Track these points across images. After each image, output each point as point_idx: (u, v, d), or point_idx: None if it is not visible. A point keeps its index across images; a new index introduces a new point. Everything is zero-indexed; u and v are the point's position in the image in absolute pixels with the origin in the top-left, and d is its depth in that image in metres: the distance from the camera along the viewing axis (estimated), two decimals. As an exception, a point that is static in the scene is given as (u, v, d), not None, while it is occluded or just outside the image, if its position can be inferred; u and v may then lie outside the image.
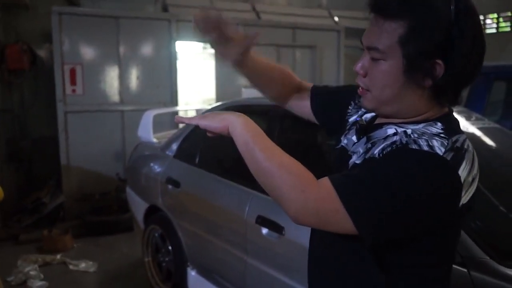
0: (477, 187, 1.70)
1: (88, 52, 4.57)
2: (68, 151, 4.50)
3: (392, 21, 0.85)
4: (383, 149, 0.89)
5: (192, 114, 4.33)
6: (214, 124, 0.92)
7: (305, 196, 0.82)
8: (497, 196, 1.72)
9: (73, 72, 4.46)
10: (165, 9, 5.28)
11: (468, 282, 1.31)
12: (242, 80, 5.30)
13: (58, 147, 4.49)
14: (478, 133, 2.14)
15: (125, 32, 4.67)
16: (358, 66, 0.92)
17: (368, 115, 1.05)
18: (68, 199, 4.48)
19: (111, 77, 4.67)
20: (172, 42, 4.87)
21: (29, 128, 5.03)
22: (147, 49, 4.83)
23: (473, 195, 0.88)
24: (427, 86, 0.87)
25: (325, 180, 0.84)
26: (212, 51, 4.72)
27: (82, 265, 3.50)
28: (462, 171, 0.83)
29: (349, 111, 1.12)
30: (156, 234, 2.97)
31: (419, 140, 0.85)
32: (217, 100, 5.00)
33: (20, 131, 4.99)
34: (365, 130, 0.98)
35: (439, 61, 0.84)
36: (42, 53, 5.06)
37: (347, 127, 1.08)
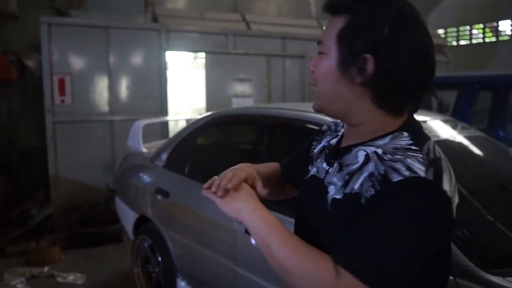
0: (463, 195, 1.72)
1: (77, 62, 4.57)
2: (56, 162, 4.46)
3: (337, 16, 0.90)
4: (362, 184, 0.87)
5: (182, 123, 4.32)
6: (228, 212, 0.93)
7: None
8: (482, 204, 1.74)
9: (62, 82, 4.44)
10: (155, 19, 5.30)
11: (454, 290, 1.32)
12: (232, 90, 5.35)
13: (47, 157, 4.45)
14: (464, 142, 2.17)
15: (115, 42, 4.67)
16: (310, 64, 0.95)
17: (334, 141, 1.04)
18: (56, 211, 4.44)
19: (101, 87, 4.67)
20: (162, 52, 4.88)
21: (17, 139, 4.99)
22: (136, 59, 4.84)
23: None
24: (359, 82, 0.87)
25: (340, 269, 0.80)
26: (202, 60, 4.65)
27: (70, 278, 3.46)
28: (446, 184, 0.81)
29: (312, 147, 1.12)
30: (146, 245, 2.94)
31: (396, 164, 0.82)
32: (208, 109, 5.01)
33: (8, 142, 4.95)
34: (335, 154, 0.96)
35: (370, 58, 0.85)
36: (30, 63, 5.04)
37: (314, 158, 1.07)
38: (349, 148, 0.94)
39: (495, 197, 1.92)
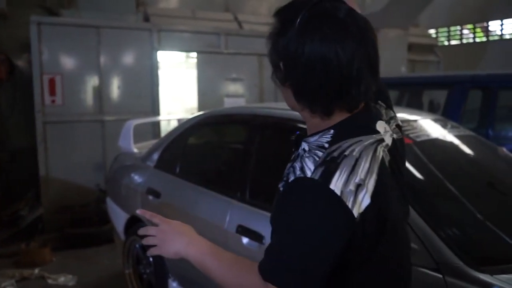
0: (453, 194, 1.73)
1: (68, 62, 4.53)
2: (47, 162, 4.42)
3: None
4: (282, 184, 0.93)
5: (174, 123, 4.31)
6: (172, 256, 1.02)
7: None
8: (471, 202, 1.75)
9: (52, 82, 4.40)
10: (146, 18, 5.28)
11: (443, 287, 1.33)
12: (224, 89, 5.34)
13: (37, 158, 4.41)
14: (454, 140, 2.19)
15: (106, 42, 4.64)
16: None
17: None
18: (47, 211, 4.39)
19: (92, 87, 4.63)
20: (154, 51, 4.86)
21: (7, 139, 4.94)
22: (128, 59, 4.81)
23: (378, 200, 0.85)
24: (282, 85, 0.94)
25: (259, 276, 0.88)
26: (194, 60, 4.62)
27: (61, 279, 3.43)
28: (336, 183, 0.82)
29: None
30: (137, 246, 2.92)
31: (297, 163, 0.89)
32: (199, 109, 5.00)
33: (-2, 142, 4.90)
34: (296, 145, 0.98)
35: (280, 64, 0.91)
36: (21, 63, 4.98)
37: None
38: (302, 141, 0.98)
39: (484, 195, 1.94)
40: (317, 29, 0.86)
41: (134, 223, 2.95)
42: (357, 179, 0.83)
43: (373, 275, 0.90)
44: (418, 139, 2.00)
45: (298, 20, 0.87)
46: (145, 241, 1.06)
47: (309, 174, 0.85)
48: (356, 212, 0.82)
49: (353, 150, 0.86)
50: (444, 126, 2.28)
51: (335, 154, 0.86)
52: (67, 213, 4.33)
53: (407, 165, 1.83)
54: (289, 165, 0.96)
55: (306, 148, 0.91)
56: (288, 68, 0.89)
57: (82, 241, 4.11)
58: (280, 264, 0.84)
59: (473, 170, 2.11)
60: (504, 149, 2.40)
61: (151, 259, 2.75)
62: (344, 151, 0.86)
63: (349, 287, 0.90)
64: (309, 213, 0.82)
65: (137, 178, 3.00)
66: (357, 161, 0.85)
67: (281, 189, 0.93)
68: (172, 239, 1.01)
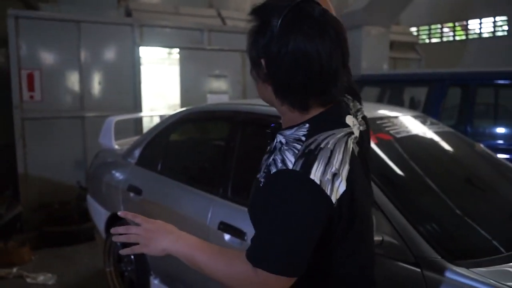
0: (432, 189, 1.76)
1: (47, 57, 4.44)
2: (25, 159, 4.33)
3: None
4: (263, 171, 0.98)
5: (156, 120, 4.27)
6: (158, 254, 1.02)
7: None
8: (449, 197, 1.78)
9: (31, 78, 4.31)
10: (128, 13, 5.20)
11: (421, 280, 1.35)
12: (207, 86, 5.31)
13: (15, 155, 4.31)
14: (433, 136, 2.22)
15: (87, 36, 4.56)
16: None
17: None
18: (26, 210, 4.31)
19: (72, 82, 4.55)
20: (136, 47, 4.80)
21: (-16, 135, 4.82)
22: (109, 54, 4.74)
23: (350, 187, 0.92)
24: (263, 81, 0.98)
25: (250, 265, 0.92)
26: (177, 56, 4.59)
27: (41, 278, 3.37)
28: (315, 173, 0.89)
29: None
30: (118, 244, 2.89)
31: (277, 156, 0.94)
32: (182, 106, 4.97)
33: (-26, 139, 4.77)
34: (272, 136, 1.04)
35: (262, 60, 0.95)
36: (-2, 58, 4.87)
37: None
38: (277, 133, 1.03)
39: (462, 191, 1.97)
40: (299, 29, 0.91)
41: (115, 221, 2.92)
42: (333, 169, 0.90)
43: (349, 253, 0.99)
44: (398, 135, 2.02)
45: (280, 21, 0.91)
46: (125, 238, 1.06)
47: (290, 166, 0.90)
48: (334, 198, 0.90)
49: (327, 143, 0.93)
50: (423, 122, 2.31)
51: (312, 147, 0.92)
52: (47, 211, 4.25)
53: (388, 161, 1.85)
54: (266, 156, 1.01)
55: (283, 141, 0.97)
56: (272, 68, 0.94)
57: (62, 240, 4.04)
58: (268, 250, 0.89)
59: (452, 166, 2.15)
60: (482, 145, 2.45)
61: (132, 257, 2.73)
62: (320, 144, 0.92)
63: (330, 264, 0.98)
64: (293, 202, 0.89)
65: (118, 175, 2.96)
66: (332, 153, 0.92)
67: (261, 180, 0.98)
68: (159, 237, 1.03)
